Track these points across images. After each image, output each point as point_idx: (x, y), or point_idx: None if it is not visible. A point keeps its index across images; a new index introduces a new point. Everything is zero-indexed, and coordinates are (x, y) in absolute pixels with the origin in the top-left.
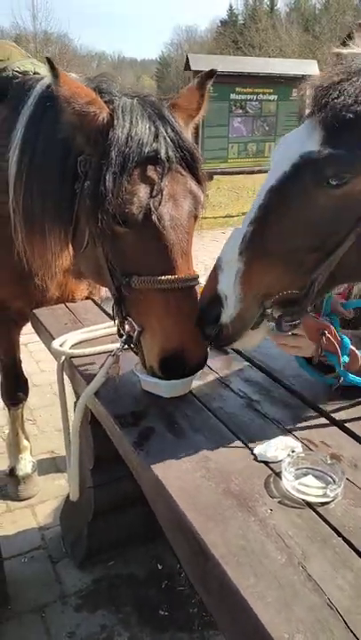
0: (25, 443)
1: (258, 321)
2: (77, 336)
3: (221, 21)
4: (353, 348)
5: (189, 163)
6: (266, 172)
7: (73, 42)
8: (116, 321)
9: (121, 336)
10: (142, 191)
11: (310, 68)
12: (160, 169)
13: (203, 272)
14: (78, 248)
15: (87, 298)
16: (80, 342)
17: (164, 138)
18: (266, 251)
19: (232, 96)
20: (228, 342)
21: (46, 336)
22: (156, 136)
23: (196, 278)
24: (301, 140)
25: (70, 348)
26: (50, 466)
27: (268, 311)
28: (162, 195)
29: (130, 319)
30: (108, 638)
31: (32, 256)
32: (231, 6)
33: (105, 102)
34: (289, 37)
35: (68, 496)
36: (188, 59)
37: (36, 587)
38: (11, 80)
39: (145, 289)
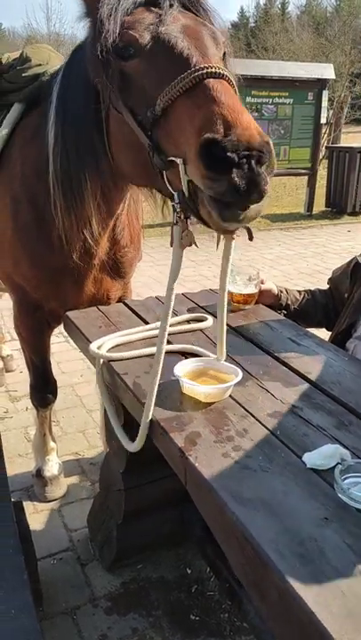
0: (52, 444)
1: None
2: (114, 340)
3: (232, 24)
4: None
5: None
6: (280, 175)
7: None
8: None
9: (171, 197)
10: (145, 17)
11: (326, 71)
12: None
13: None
14: (113, 144)
15: (119, 300)
16: (117, 346)
17: None
18: None
19: (248, 99)
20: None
21: (80, 339)
22: None
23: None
24: None
25: (107, 352)
26: (74, 467)
27: None
28: (168, 18)
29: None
30: None
31: (70, 225)
32: (242, 9)
33: None
34: (301, 40)
35: (95, 498)
36: None
37: (66, 589)
38: (49, 83)
39: (170, 107)
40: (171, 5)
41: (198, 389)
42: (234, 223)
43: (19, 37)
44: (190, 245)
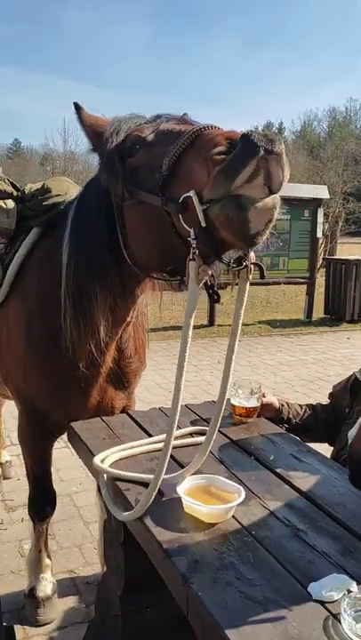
0: (47, 561)
1: None
2: (117, 453)
3: None
4: None
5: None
6: (279, 283)
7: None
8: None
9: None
10: (145, 126)
11: (321, 192)
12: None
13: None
14: (130, 235)
15: (123, 410)
16: (120, 459)
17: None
18: None
19: None
20: None
21: (84, 451)
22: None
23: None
24: None
25: (110, 466)
26: (69, 587)
27: None
28: (163, 121)
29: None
30: None
31: (78, 336)
32: None
33: None
34: (297, 162)
35: (90, 623)
36: None
37: None
38: (66, 210)
39: (177, 161)
40: (167, 120)
41: (201, 509)
42: (256, 209)
43: (36, 154)
44: (204, 281)
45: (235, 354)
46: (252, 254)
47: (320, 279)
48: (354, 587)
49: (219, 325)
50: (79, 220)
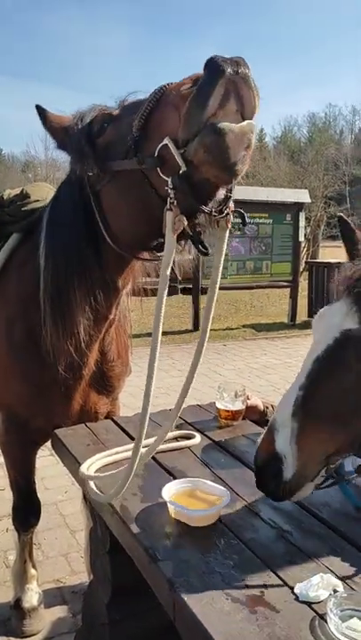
0: (32, 571)
1: (319, 473)
2: (103, 459)
3: None
4: None
5: None
6: (263, 287)
7: None
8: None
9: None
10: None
11: (303, 196)
12: None
13: (208, 384)
14: (110, 215)
15: (107, 416)
16: (105, 465)
17: None
18: (315, 413)
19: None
20: (290, 496)
21: (69, 458)
22: None
23: None
24: (342, 317)
25: (95, 472)
26: (55, 597)
27: (332, 467)
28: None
29: None
30: None
31: (58, 339)
32: None
33: None
34: (278, 167)
35: (77, 633)
36: None
37: None
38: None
39: (147, 119)
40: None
41: (187, 514)
42: (233, 133)
43: (17, 162)
44: (181, 230)
45: (214, 301)
46: (231, 204)
47: (303, 282)
48: (340, 586)
49: None
50: (54, 221)
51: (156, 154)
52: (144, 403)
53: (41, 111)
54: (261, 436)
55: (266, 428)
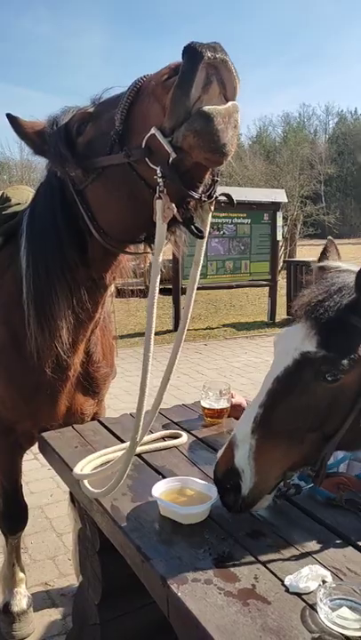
0: (21, 575)
1: (276, 486)
2: (93, 462)
3: None
4: None
5: None
6: (242, 286)
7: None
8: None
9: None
10: None
11: (279, 196)
12: None
13: (191, 384)
14: (97, 210)
15: (93, 418)
16: (100, 466)
17: None
18: (273, 430)
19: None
20: (247, 509)
21: (57, 460)
22: None
23: None
24: (301, 340)
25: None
26: (44, 600)
27: (289, 481)
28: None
29: None
30: None
31: (43, 340)
32: None
33: None
34: (254, 167)
35: (68, 635)
36: None
37: None
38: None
39: (128, 114)
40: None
41: (178, 511)
42: (221, 115)
43: None
44: (172, 218)
45: (196, 283)
46: (217, 187)
47: (281, 281)
48: (328, 577)
49: None
50: (34, 223)
51: (143, 144)
52: (140, 397)
53: (12, 119)
54: (221, 449)
55: (226, 442)
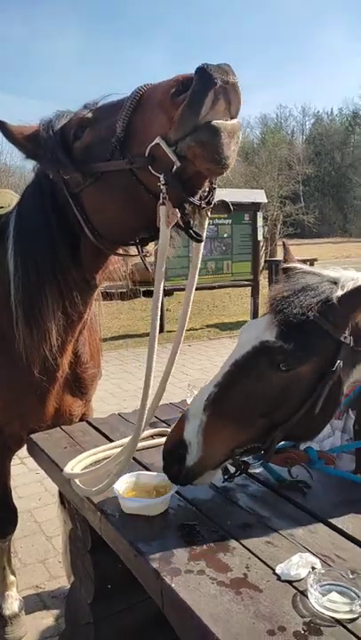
0: (11, 578)
1: (222, 463)
2: (83, 461)
3: None
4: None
5: None
6: (225, 287)
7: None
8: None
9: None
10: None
11: (259, 196)
12: None
13: (176, 384)
14: (93, 215)
15: (81, 419)
16: (86, 467)
17: None
18: (225, 410)
19: None
20: (190, 480)
21: (46, 461)
22: None
23: None
24: (263, 330)
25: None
26: (35, 603)
27: (237, 457)
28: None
29: None
30: None
31: (32, 341)
32: None
33: None
34: (233, 168)
35: (61, 636)
36: None
37: None
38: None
39: (129, 122)
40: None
41: (146, 504)
42: (226, 131)
43: None
44: (174, 223)
45: (194, 285)
46: (215, 194)
47: (263, 281)
48: (318, 564)
49: (168, 332)
50: (22, 225)
51: (147, 153)
52: (144, 392)
53: (2, 125)
54: (174, 423)
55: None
